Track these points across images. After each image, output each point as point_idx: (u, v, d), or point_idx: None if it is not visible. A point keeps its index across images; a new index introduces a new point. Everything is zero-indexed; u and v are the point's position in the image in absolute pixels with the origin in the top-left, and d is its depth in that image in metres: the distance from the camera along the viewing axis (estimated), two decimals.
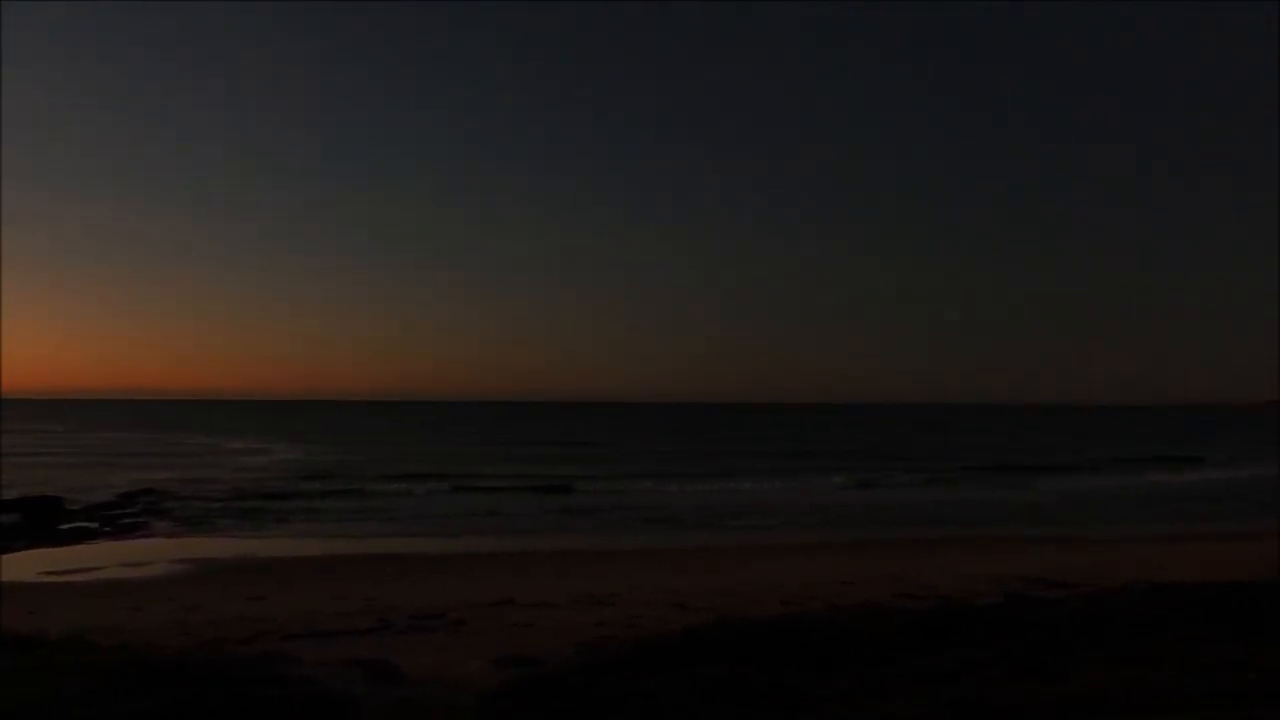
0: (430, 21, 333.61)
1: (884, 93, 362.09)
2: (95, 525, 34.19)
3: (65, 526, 33.85)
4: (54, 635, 12.22)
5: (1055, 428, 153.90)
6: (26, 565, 25.63)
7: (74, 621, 16.12)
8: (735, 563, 25.18)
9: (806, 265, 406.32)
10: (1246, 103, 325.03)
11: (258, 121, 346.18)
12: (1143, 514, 39.90)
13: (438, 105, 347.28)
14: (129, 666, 7.90)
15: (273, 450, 79.71)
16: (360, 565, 25.25)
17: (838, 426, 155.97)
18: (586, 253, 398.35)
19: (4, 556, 27.23)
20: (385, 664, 10.84)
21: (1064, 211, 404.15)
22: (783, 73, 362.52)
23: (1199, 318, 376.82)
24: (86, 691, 6.84)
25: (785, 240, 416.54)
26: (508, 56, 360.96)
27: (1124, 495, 48.50)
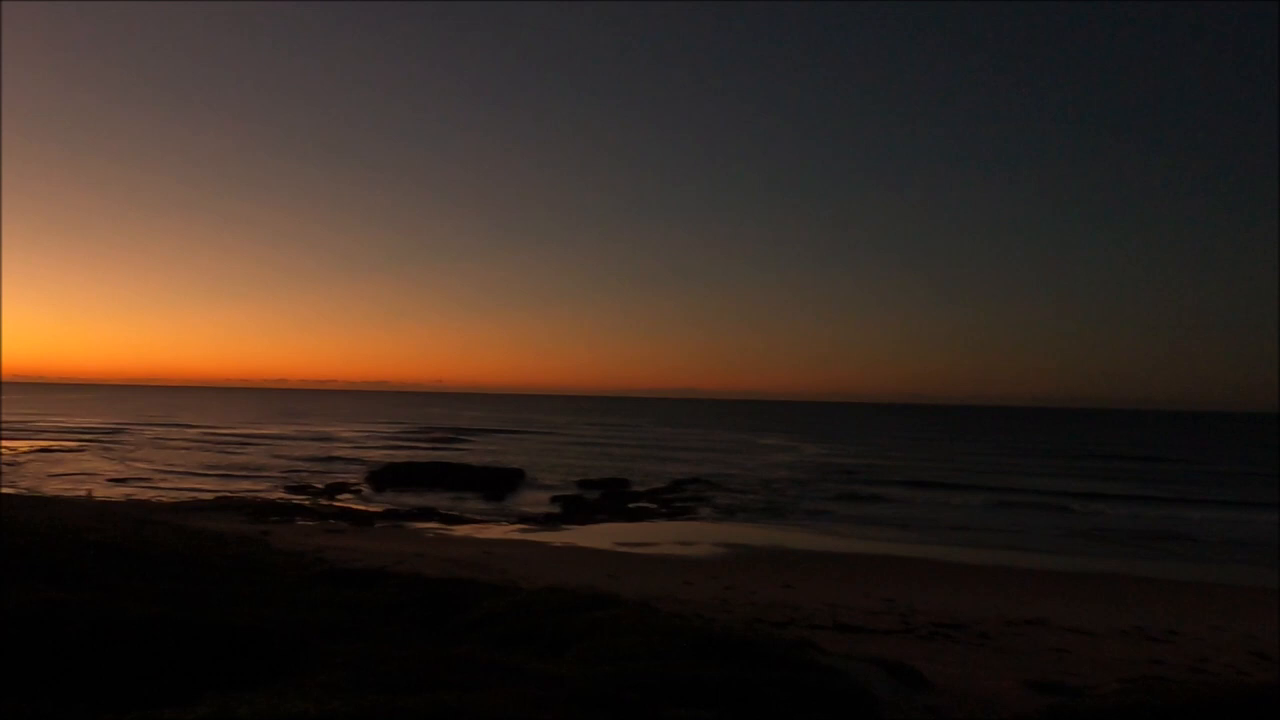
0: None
1: None
2: (655, 506, 39.47)
3: (632, 505, 39.64)
4: (626, 596, 14.39)
5: None
6: (605, 535, 30.59)
7: (640, 587, 18.84)
8: None
9: None
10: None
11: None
12: None
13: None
14: (684, 632, 9.00)
15: (801, 449, 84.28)
16: (882, 566, 25.50)
17: None
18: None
19: (590, 526, 32.96)
20: (908, 668, 10.81)
21: None
22: None
23: None
24: (652, 651, 7.95)
25: None
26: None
27: None
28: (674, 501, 41.17)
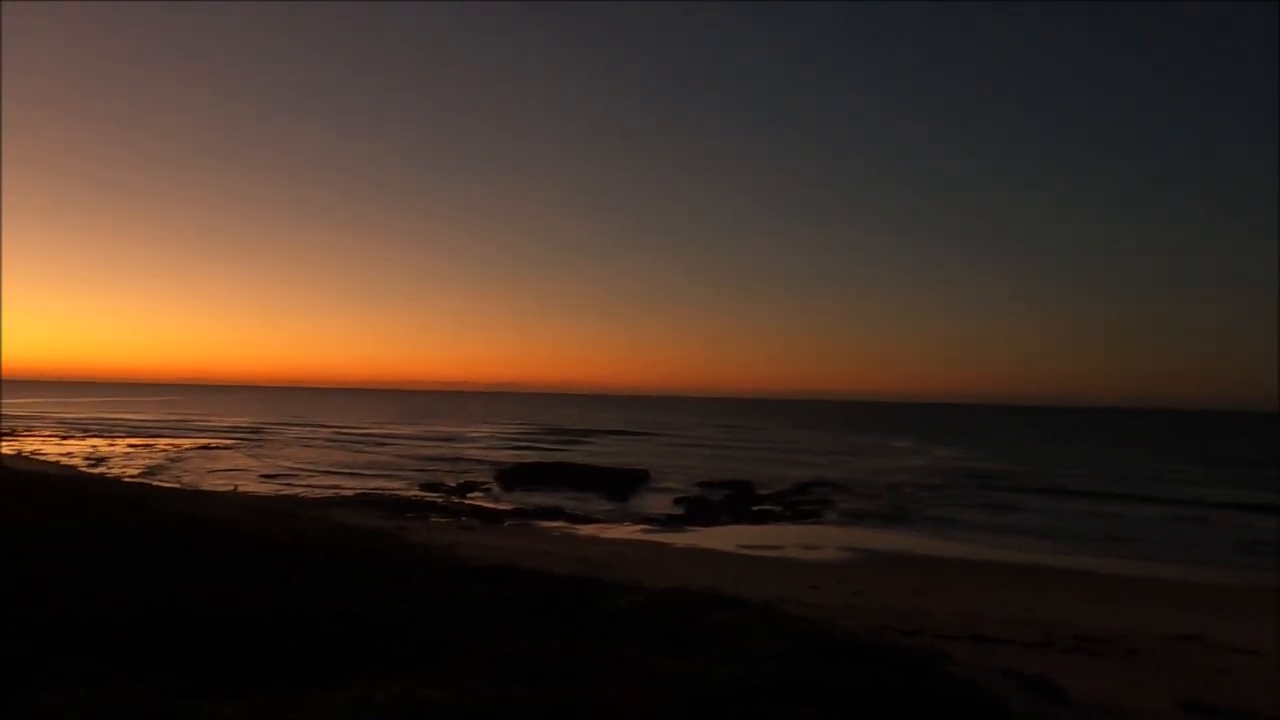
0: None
1: None
2: (779, 509, 39.04)
3: (756, 508, 39.32)
4: (750, 598, 14.26)
5: None
6: (728, 538, 30.46)
7: (764, 590, 18.65)
8: None
9: None
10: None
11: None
12: None
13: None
14: (809, 636, 8.85)
15: (933, 452, 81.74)
16: (1021, 575, 24.43)
17: None
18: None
19: (713, 528, 32.90)
20: (1047, 682, 10.30)
21: None
22: None
23: None
24: (777, 653, 7.85)
25: None
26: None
27: None
28: (799, 505, 40.60)
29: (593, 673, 6.45)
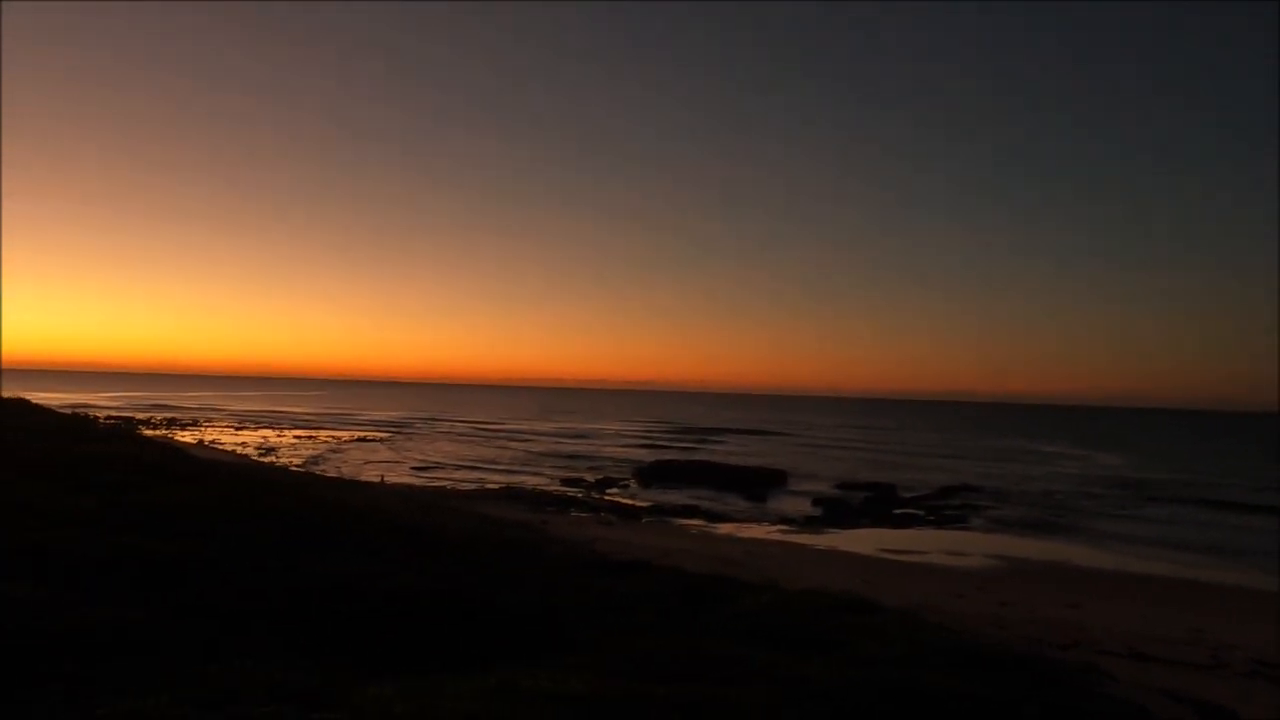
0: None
1: None
2: (921, 513, 37.84)
3: (897, 511, 38.26)
4: (889, 603, 13.93)
5: None
6: (868, 541, 29.77)
7: (904, 595, 18.15)
8: None
9: None
10: None
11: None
12: None
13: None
14: (951, 644, 8.57)
15: (1091, 458, 77.29)
16: (1188, 591, 22.81)
17: None
18: None
19: (852, 531, 32.25)
20: (1220, 709, 9.63)
21: None
22: None
23: None
24: (918, 660, 7.65)
25: None
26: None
27: None
28: (943, 509, 39.24)
29: (726, 672, 6.48)
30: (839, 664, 7.08)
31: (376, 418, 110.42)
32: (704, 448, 74.41)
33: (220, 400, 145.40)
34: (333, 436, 74.36)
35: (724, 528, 32.03)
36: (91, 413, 66.76)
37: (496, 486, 41.18)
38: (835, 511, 37.37)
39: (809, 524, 33.79)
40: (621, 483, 46.12)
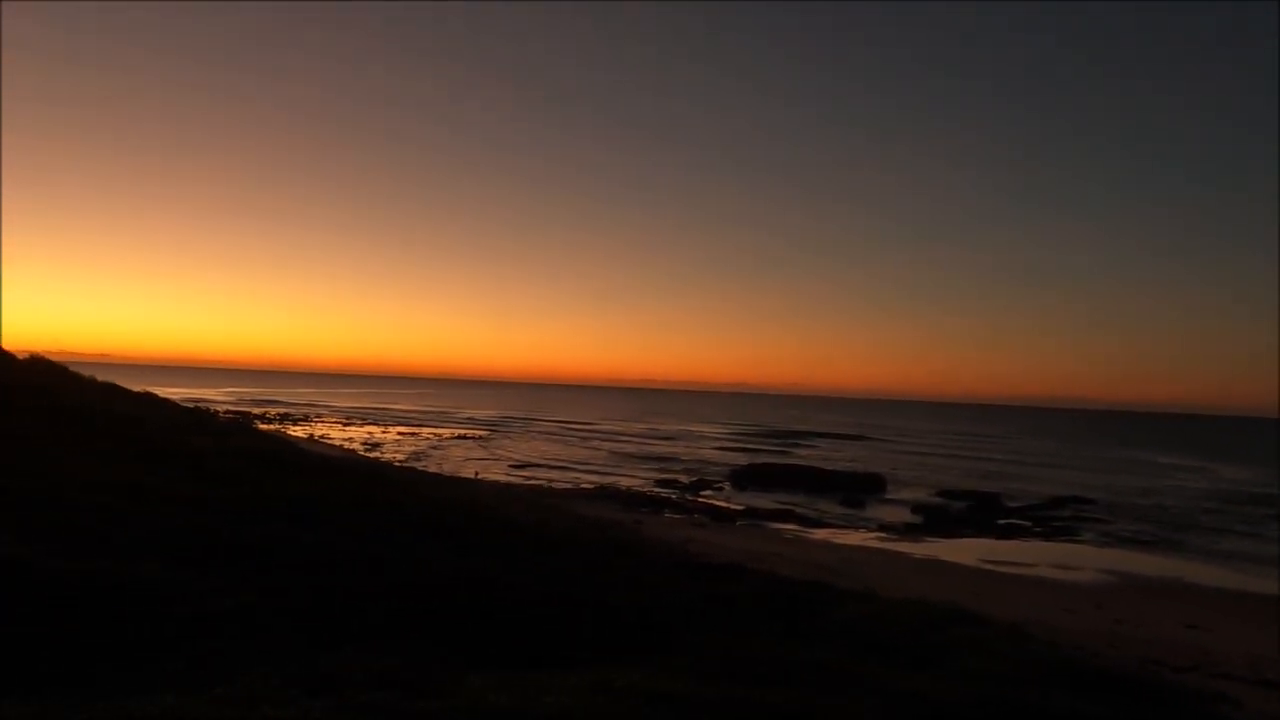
0: None
1: None
2: (1028, 524, 36.48)
3: (1002, 521, 36.99)
4: (994, 616, 13.46)
5: None
6: (971, 551, 28.88)
7: (1010, 609, 17.51)
8: None
9: None
10: None
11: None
12: None
13: None
14: (1060, 662, 8.22)
15: (1212, 471, 73.13)
16: None
17: None
18: None
19: (954, 540, 31.33)
20: None
21: None
22: None
23: None
24: (1026, 677, 7.37)
25: None
26: None
27: None
28: (1052, 520, 37.75)
29: (823, 680, 6.37)
30: (947, 678, 6.87)
31: (475, 416, 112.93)
32: (798, 451, 73.47)
33: (327, 397, 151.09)
34: (434, 433, 76.41)
35: (819, 533, 31.55)
36: (210, 407, 70.34)
37: (591, 486, 41.55)
38: (936, 520, 36.38)
39: (908, 531, 33.00)
40: (716, 485, 45.93)
